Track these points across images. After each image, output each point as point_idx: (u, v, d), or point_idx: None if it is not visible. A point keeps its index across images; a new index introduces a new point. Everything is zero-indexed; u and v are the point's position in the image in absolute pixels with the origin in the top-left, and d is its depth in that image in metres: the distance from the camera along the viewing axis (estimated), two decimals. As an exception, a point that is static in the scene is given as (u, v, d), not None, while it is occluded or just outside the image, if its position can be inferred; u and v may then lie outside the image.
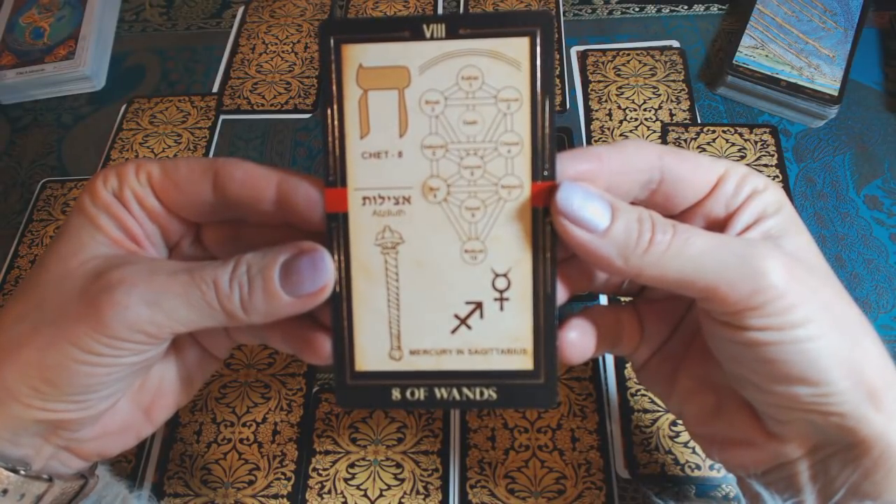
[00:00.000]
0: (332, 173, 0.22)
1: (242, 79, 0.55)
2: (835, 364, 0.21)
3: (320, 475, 0.37)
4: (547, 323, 0.23)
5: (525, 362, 0.23)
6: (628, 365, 0.40)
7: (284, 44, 0.56)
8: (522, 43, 0.22)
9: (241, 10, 0.59)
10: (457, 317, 0.23)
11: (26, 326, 0.23)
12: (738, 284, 0.21)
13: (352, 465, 0.37)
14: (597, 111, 0.50)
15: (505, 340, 0.23)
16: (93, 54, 0.55)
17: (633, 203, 0.24)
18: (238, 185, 0.23)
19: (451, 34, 0.22)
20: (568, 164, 0.22)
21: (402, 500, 0.36)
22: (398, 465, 0.37)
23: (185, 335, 0.27)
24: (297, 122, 0.52)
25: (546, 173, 0.22)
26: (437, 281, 0.23)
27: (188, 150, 0.51)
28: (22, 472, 0.24)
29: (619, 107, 0.50)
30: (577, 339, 0.26)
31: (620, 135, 0.49)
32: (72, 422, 0.24)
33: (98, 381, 0.23)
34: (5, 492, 0.23)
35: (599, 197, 0.22)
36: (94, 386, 0.23)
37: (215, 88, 0.55)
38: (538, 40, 0.22)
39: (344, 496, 0.36)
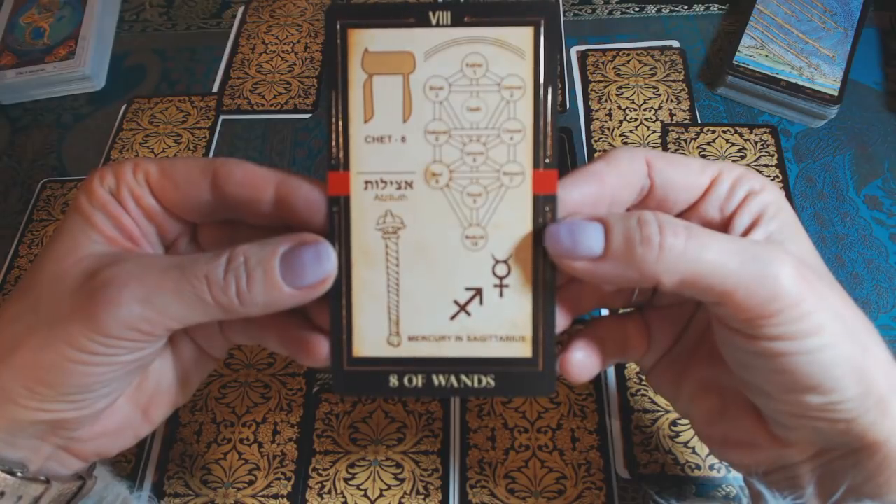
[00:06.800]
0: (334, 156, 0.22)
1: (242, 79, 0.55)
2: (847, 372, 0.21)
3: (320, 475, 0.37)
4: (546, 310, 0.23)
5: (524, 350, 0.23)
6: (629, 365, 0.40)
7: (284, 44, 0.56)
8: (527, 32, 0.22)
9: (241, 10, 0.59)
10: (456, 303, 0.23)
11: (21, 327, 0.22)
12: (755, 290, 0.20)
13: (352, 465, 0.37)
14: (597, 111, 0.50)
15: (504, 327, 0.23)
16: (93, 54, 0.55)
17: (629, 209, 0.24)
18: (237, 185, 0.23)
19: (457, 22, 0.22)
20: (571, 188, 0.22)
21: (402, 500, 0.36)
22: (398, 465, 0.37)
23: (182, 335, 0.27)
24: (297, 123, 0.52)
25: (548, 161, 0.22)
26: (438, 267, 0.23)
27: (188, 150, 0.51)
28: (19, 474, 0.24)
29: (619, 107, 0.50)
30: (582, 360, 0.25)
31: (620, 135, 0.49)
32: (69, 421, 0.24)
33: (94, 381, 0.23)
34: (2, 494, 0.23)
35: (586, 224, 0.22)
36: (90, 385, 0.23)
37: (215, 88, 0.55)
38: (542, 30, 0.22)
39: (344, 496, 0.36)
